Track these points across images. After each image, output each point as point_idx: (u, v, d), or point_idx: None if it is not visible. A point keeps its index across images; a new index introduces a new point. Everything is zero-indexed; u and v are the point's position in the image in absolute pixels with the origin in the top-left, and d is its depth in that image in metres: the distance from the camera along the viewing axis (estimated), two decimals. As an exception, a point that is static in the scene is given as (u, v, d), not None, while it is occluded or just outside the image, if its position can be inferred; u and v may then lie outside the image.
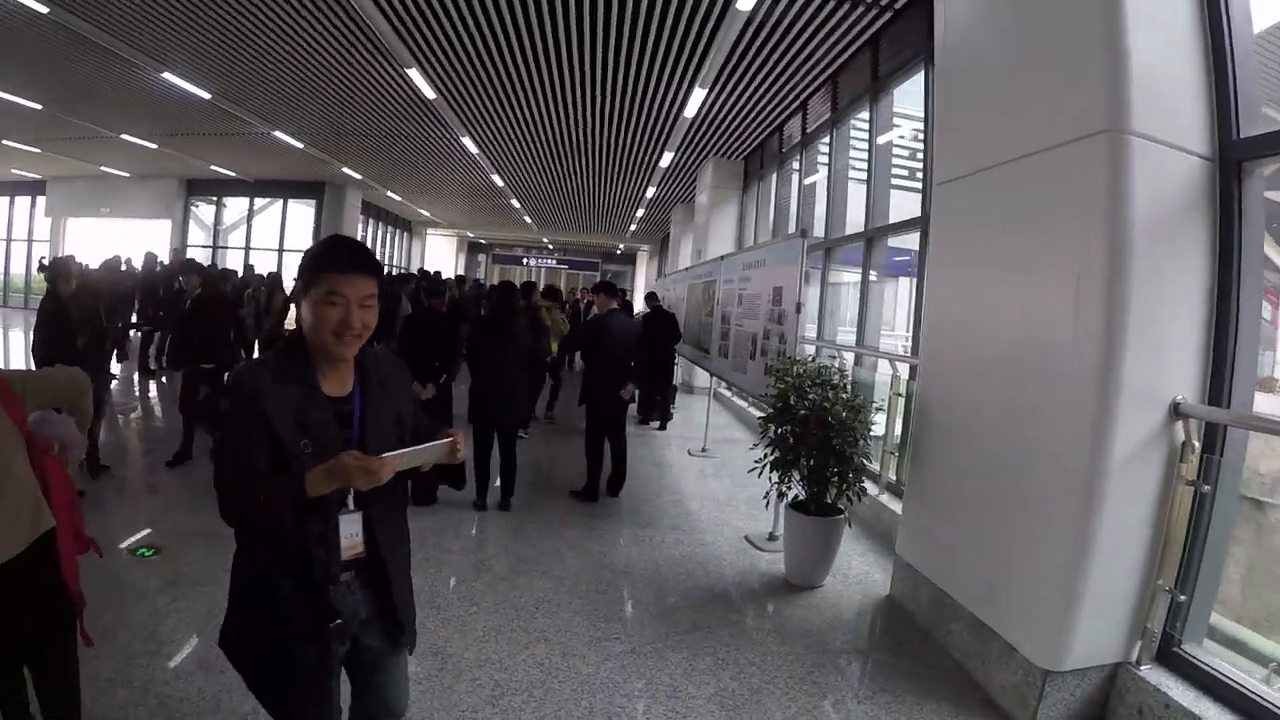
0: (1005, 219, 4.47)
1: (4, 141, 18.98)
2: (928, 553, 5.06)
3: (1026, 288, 4.19)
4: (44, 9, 9.10)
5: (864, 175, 9.97)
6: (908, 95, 8.95)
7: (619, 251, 44.27)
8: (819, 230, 10.87)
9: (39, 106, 14.62)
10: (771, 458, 5.59)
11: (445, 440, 2.19)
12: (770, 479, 5.66)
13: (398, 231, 33.90)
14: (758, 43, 9.13)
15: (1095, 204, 3.67)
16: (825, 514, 5.52)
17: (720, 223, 16.31)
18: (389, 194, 25.95)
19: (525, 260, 44.08)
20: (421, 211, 30.98)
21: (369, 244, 26.99)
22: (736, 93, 11.23)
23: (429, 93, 11.97)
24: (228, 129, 16.42)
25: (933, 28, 7.24)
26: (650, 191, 20.68)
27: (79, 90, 13.48)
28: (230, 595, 2.12)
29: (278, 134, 16.38)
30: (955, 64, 5.27)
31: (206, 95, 13.12)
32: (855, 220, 9.88)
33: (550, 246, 43.07)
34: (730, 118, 12.78)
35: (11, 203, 27.34)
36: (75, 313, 6.63)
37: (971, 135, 4.93)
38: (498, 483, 6.90)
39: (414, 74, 10.98)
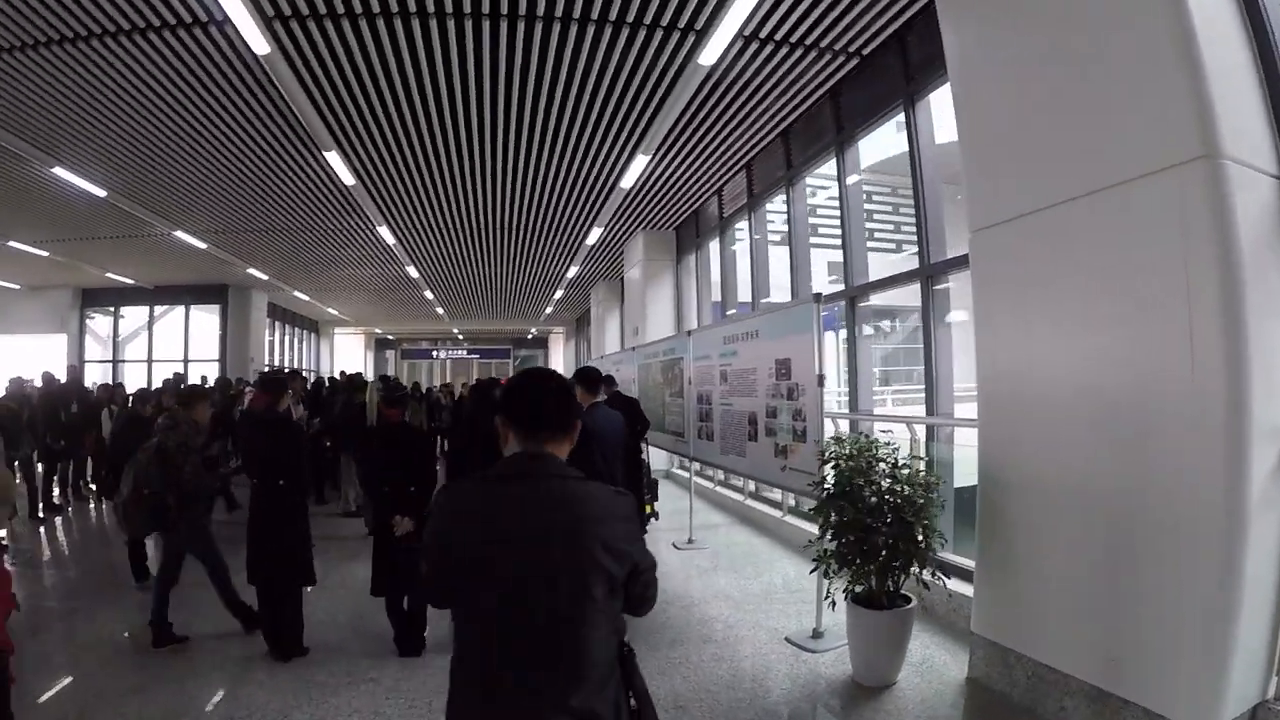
0: (1078, 258, 4.23)
1: None
2: (1018, 626, 4.72)
3: (1118, 328, 3.98)
4: None
5: (824, 233, 9.71)
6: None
7: (530, 336, 43.74)
8: (780, 295, 10.54)
9: None
10: (833, 551, 5.04)
11: None
12: (830, 573, 5.11)
13: (305, 333, 33.24)
14: (712, 100, 8.84)
15: (1198, 233, 3.56)
16: (892, 605, 5.03)
17: (657, 297, 16.01)
18: (296, 294, 25.16)
19: (435, 353, 43.48)
20: (329, 310, 30.20)
21: (276, 347, 26.30)
22: (680, 156, 10.95)
23: (348, 178, 11.37)
24: (125, 231, 15.44)
25: (909, 71, 7.19)
26: (572, 271, 20.38)
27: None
28: None
29: (179, 234, 15.48)
30: (981, 103, 5.10)
31: (102, 193, 12.18)
32: (821, 282, 9.57)
33: (460, 336, 42.37)
34: (669, 185, 12.51)
35: None
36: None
37: (1017, 176, 4.71)
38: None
39: (333, 158, 10.38)
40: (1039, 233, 4.44)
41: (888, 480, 4.99)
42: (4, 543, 3.48)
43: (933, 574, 4.95)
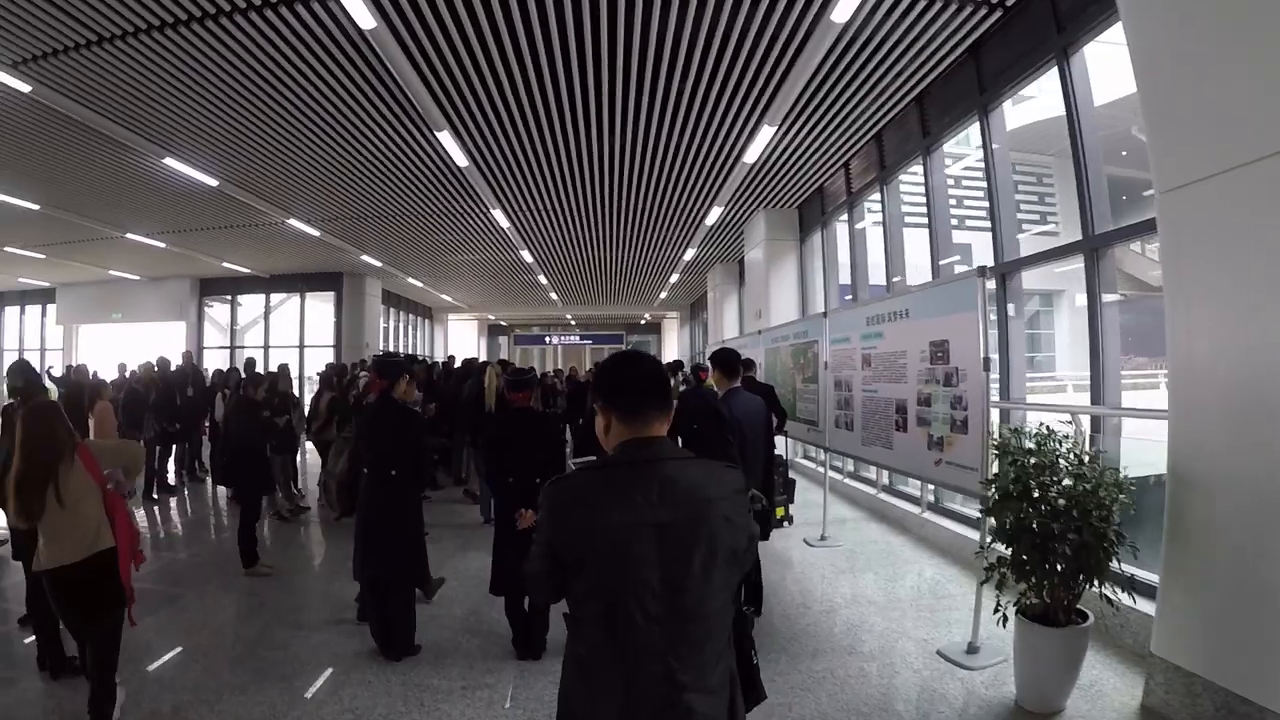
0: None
1: (6, 248, 18.55)
2: (1208, 649, 4.14)
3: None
4: (25, 87, 8.41)
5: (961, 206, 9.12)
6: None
7: (644, 321, 43.65)
8: (916, 275, 9.99)
9: (35, 207, 14.12)
10: (1008, 559, 4.53)
11: None
12: (1006, 584, 4.58)
13: (419, 319, 34.00)
14: (844, 63, 8.30)
15: None
16: (1068, 621, 4.49)
17: (780, 279, 15.42)
18: (410, 280, 25.59)
19: (547, 339, 43.73)
20: (443, 297, 30.69)
21: (390, 334, 26.94)
22: (807, 126, 10.39)
23: (461, 159, 11.24)
24: (238, 220, 15.91)
25: (1060, 20, 6.60)
26: (689, 254, 20.00)
27: (76, 184, 12.83)
28: None
29: (292, 221, 15.81)
30: (1165, 42, 4.47)
31: (213, 182, 12.50)
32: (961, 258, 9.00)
33: (573, 321, 42.50)
34: (794, 158, 11.94)
35: (22, 312, 27.95)
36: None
37: (1221, 124, 4.05)
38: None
39: (445, 138, 10.25)
40: (1257, 187, 3.82)
41: (1072, 479, 4.44)
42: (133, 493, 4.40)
43: (1119, 588, 4.39)
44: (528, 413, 5.69)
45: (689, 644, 2.02)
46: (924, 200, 9.72)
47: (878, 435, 7.23)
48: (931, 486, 8.68)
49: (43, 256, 19.66)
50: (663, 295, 29.18)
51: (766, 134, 10.19)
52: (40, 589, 4.68)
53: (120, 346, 21.08)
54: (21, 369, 6.33)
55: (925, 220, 9.69)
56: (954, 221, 10.19)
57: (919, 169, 9.90)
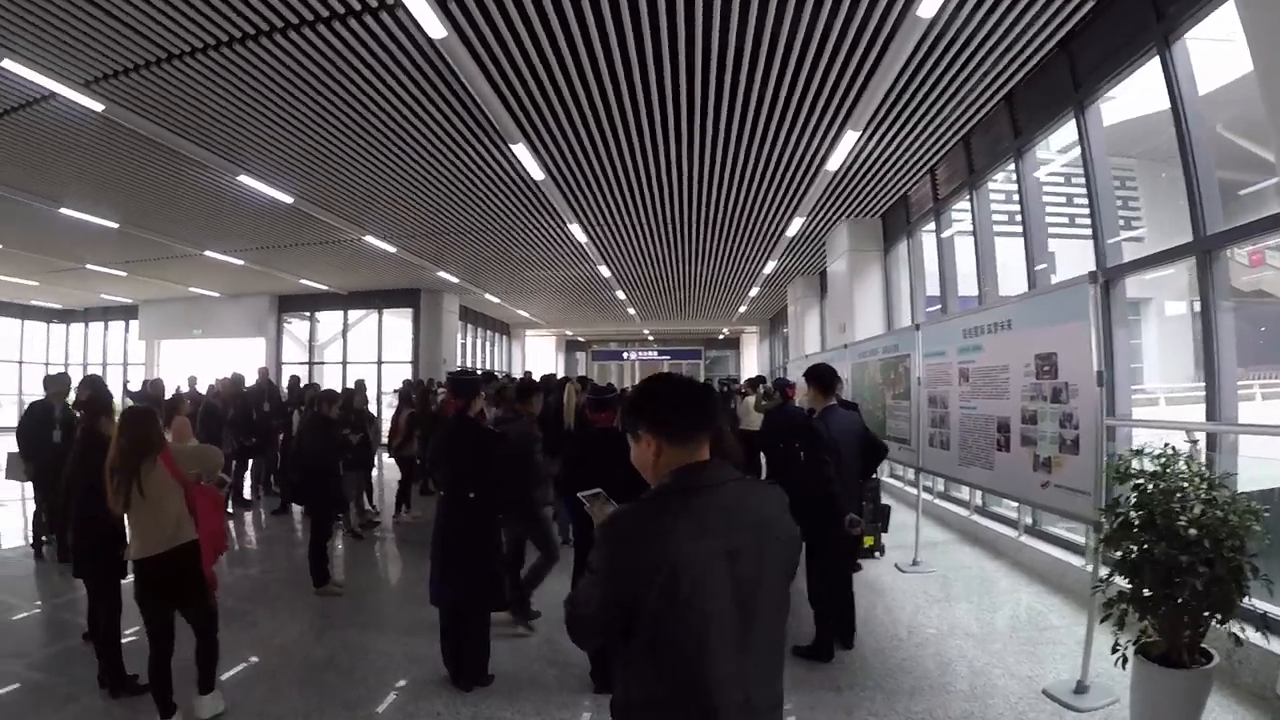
0: None
1: (88, 265, 19.17)
2: None
3: None
4: (98, 106, 8.55)
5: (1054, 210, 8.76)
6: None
7: (722, 336, 43.35)
8: (1008, 285, 9.58)
9: (114, 225, 14.45)
10: (1130, 595, 4.15)
11: None
12: (1126, 620, 4.19)
13: (497, 335, 34.33)
14: (930, 62, 7.94)
15: None
16: (1193, 662, 4.09)
17: (864, 291, 15.00)
18: (487, 296, 25.74)
19: (625, 355, 43.72)
20: (520, 313, 30.91)
21: (468, 349, 27.14)
22: (891, 130, 10.02)
23: (537, 173, 11.15)
24: (314, 238, 16.17)
25: (1159, 7, 6.23)
26: (769, 267, 19.69)
27: (152, 202, 13.07)
28: None
29: (368, 238, 16.00)
30: None
31: (289, 199, 12.66)
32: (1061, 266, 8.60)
33: (650, 337, 42.42)
34: (878, 165, 11.57)
35: (105, 328, 29.23)
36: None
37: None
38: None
39: (520, 150, 10.15)
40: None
41: (1201, 505, 4.01)
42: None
43: (1251, 626, 3.98)
44: (609, 433, 5.50)
45: (761, 666, 2.00)
46: (1011, 205, 9.34)
47: (977, 455, 6.90)
48: (1029, 508, 8.27)
49: (124, 274, 20.29)
50: (742, 309, 28.93)
51: (850, 140, 9.87)
52: (99, 607, 5.28)
53: (201, 362, 21.58)
54: (90, 382, 6.97)
55: (1013, 227, 9.31)
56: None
57: (1005, 174, 9.51)
